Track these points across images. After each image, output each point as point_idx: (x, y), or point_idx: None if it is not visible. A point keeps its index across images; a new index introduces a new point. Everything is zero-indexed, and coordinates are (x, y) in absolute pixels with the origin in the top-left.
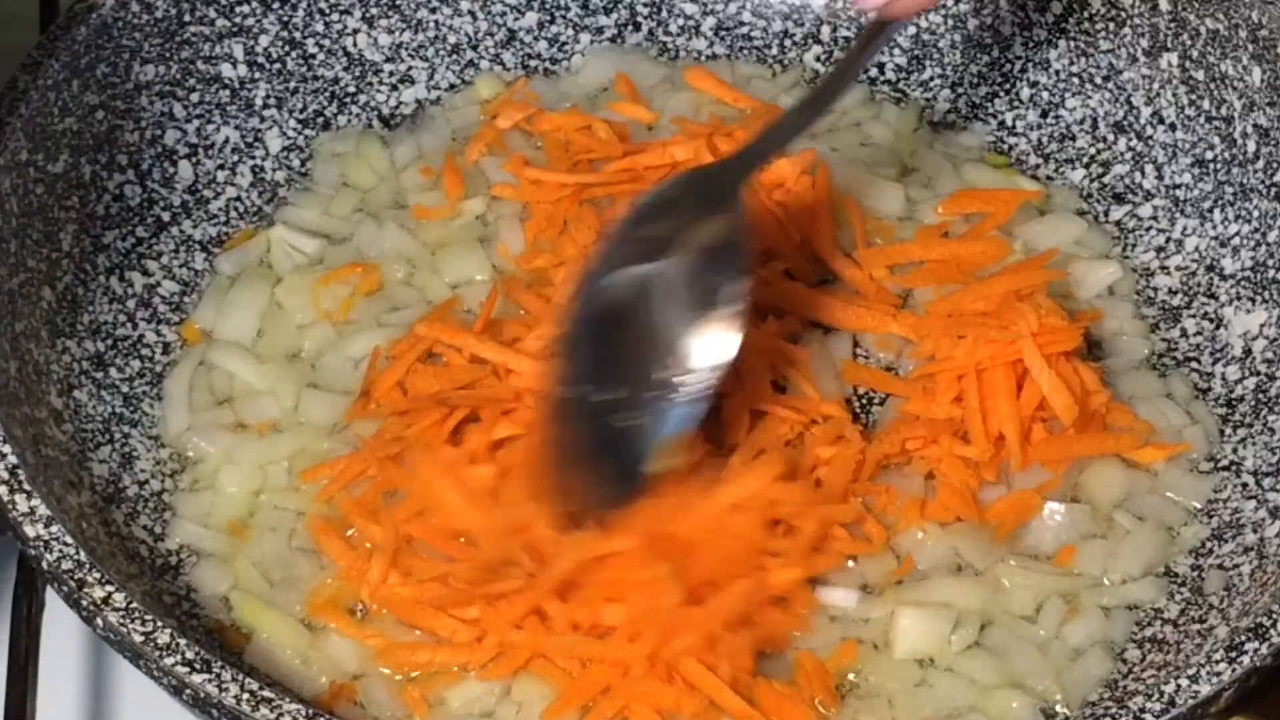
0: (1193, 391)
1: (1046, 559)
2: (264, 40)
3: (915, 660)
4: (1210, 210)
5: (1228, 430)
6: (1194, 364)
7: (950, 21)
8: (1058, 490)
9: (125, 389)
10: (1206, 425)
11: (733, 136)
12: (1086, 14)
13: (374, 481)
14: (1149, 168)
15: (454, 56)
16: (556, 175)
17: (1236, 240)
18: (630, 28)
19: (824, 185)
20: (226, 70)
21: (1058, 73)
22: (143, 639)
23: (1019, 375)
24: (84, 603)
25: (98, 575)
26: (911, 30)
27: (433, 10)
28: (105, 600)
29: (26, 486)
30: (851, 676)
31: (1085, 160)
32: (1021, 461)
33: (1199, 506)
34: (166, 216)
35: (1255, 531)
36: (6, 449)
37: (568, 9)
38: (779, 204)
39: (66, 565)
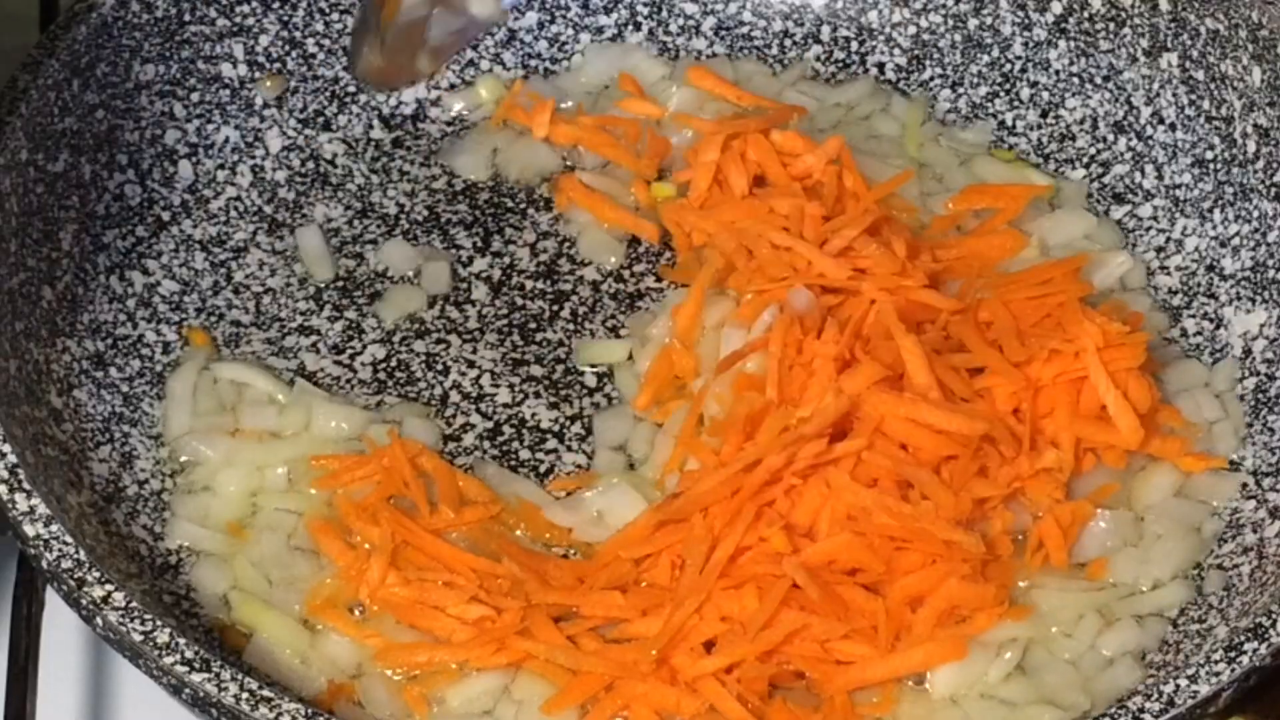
0: (1231, 384)
1: (1080, 568)
2: (264, 40)
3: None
4: (1210, 210)
5: None
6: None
7: (950, 21)
8: (1113, 496)
9: (125, 388)
10: (1235, 421)
11: (746, 130)
12: (1086, 14)
13: (379, 486)
14: (1149, 168)
15: (454, 56)
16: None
17: (1236, 240)
18: (630, 27)
19: (852, 172)
20: (227, 70)
21: (1058, 73)
22: (142, 638)
23: (1078, 387)
24: (83, 602)
25: (97, 574)
26: (912, 30)
27: None
28: (105, 599)
29: (26, 486)
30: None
31: (1085, 160)
32: (1079, 470)
33: (1221, 506)
34: (166, 216)
35: (1255, 531)
36: (6, 448)
37: (568, 9)
38: (807, 190)
39: (66, 564)
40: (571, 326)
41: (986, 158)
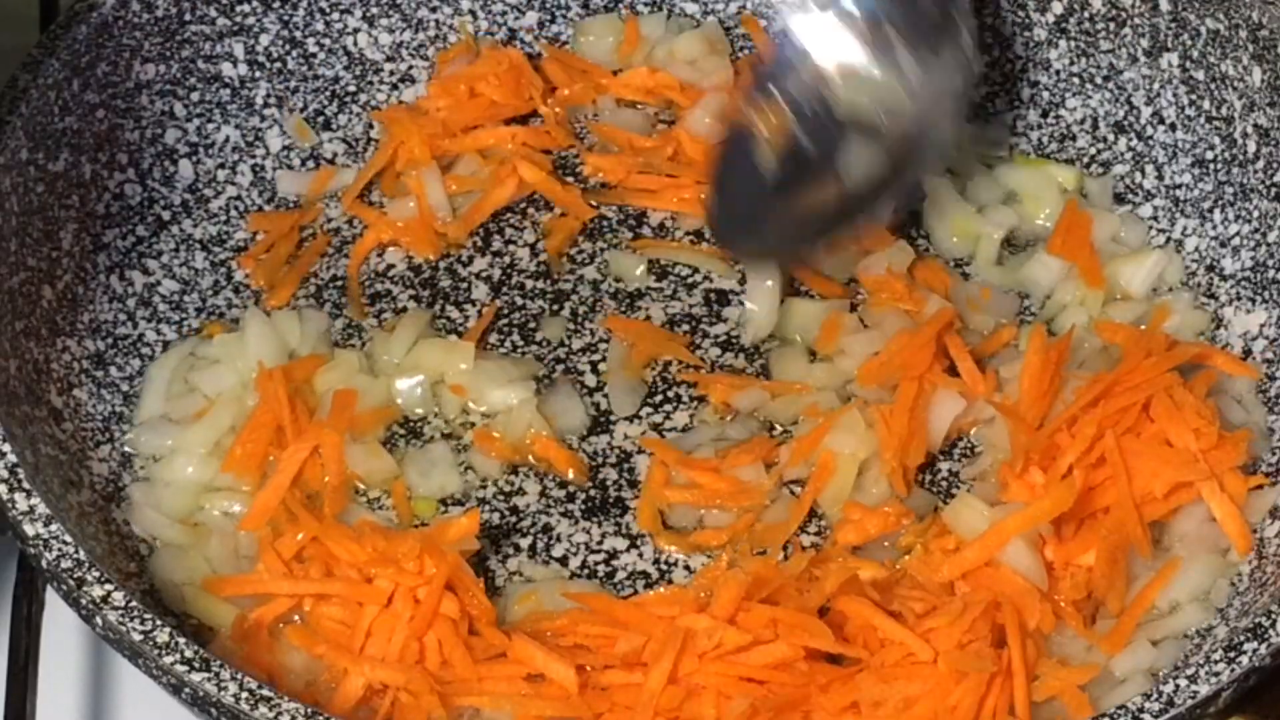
0: (1253, 391)
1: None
2: (264, 39)
3: None
4: (1210, 210)
5: None
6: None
7: None
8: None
9: (125, 388)
10: (1261, 427)
11: None
12: (1086, 14)
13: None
14: (1149, 168)
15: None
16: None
17: (1236, 240)
18: None
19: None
20: (227, 69)
21: (1058, 73)
22: (142, 637)
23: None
24: (83, 601)
25: (97, 574)
26: None
27: (433, 9)
28: (104, 599)
29: (26, 485)
30: None
31: (1085, 160)
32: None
33: (1254, 521)
34: (167, 215)
35: (1255, 532)
36: (6, 448)
37: (568, 9)
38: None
39: (66, 564)
40: (572, 326)
41: (1011, 166)
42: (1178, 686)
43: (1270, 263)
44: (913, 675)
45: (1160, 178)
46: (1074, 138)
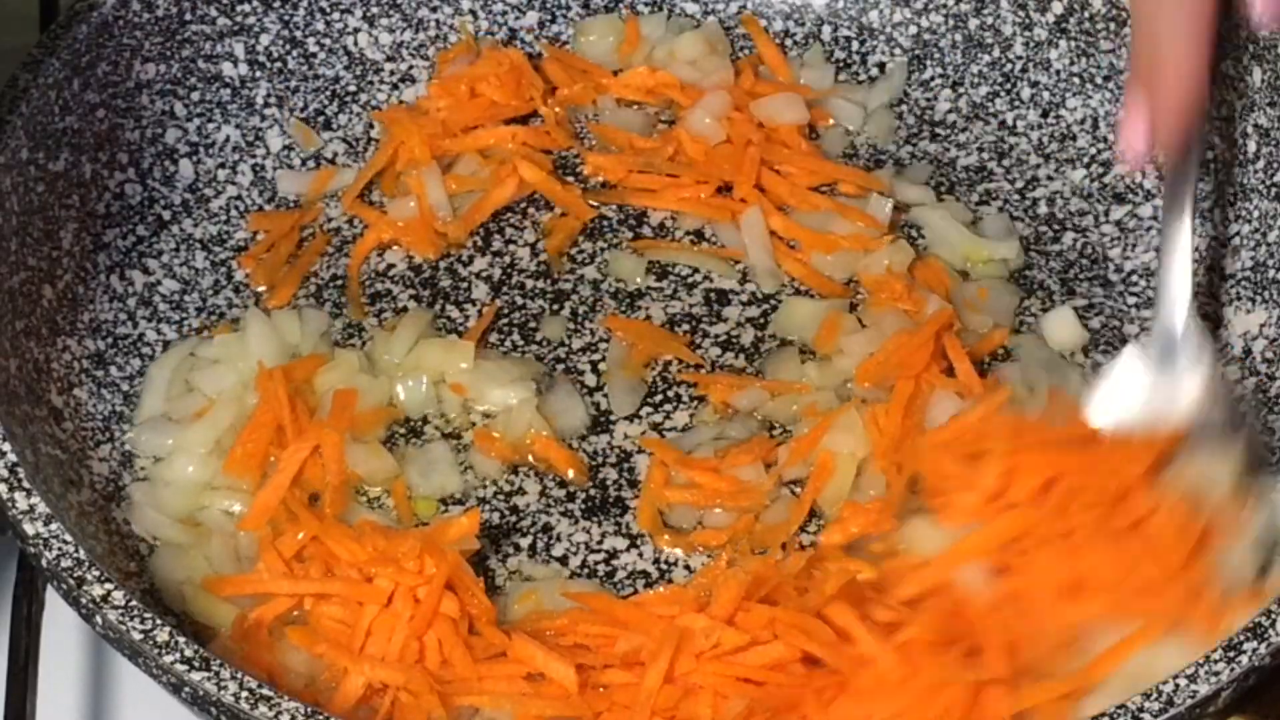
0: (1254, 391)
1: None
2: (265, 39)
3: None
4: (1210, 210)
5: None
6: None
7: (950, 21)
8: None
9: (125, 387)
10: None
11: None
12: (1087, 14)
13: (285, 456)
14: (1149, 168)
15: None
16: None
17: (1236, 240)
18: None
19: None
20: (227, 69)
21: (1058, 73)
22: (142, 636)
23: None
24: (83, 600)
25: (97, 573)
26: (912, 30)
27: (434, 9)
28: (104, 598)
29: (26, 484)
30: None
31: (1085, 160)
32: None
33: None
34: (167, 215)
35: None
36: (6, 447)
37: (568, 8)
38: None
39: (65, 563)
40: (572, 326)
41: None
42: (1177, 686)
43: (1270, 263)
44: (889, 689)
45: (1160, 177)
46: (1074, 138)
